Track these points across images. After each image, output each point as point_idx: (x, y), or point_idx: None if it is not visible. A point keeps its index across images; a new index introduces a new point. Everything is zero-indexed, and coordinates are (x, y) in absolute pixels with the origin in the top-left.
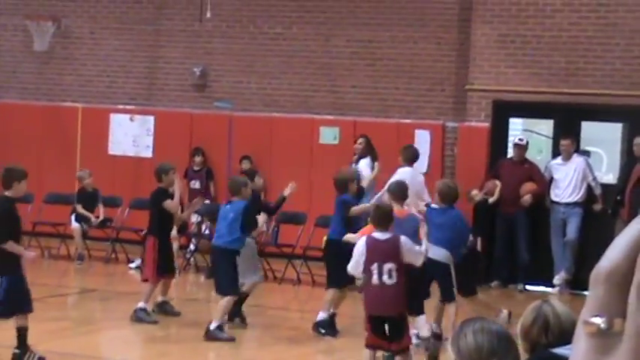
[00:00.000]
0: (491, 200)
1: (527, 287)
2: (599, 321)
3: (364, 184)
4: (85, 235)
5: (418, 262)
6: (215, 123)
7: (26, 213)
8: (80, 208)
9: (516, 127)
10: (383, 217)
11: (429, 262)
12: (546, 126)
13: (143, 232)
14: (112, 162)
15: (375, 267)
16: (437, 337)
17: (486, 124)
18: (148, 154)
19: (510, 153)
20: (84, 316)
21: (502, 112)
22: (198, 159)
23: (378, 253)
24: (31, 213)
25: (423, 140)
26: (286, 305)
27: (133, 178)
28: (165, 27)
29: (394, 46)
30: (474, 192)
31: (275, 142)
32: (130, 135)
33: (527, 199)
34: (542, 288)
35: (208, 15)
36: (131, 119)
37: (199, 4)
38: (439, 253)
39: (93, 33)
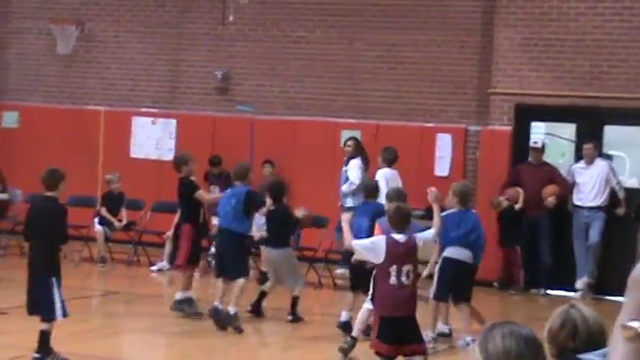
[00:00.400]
0: (517, 207)
1: (549, 292)
2: (636, 325)
3: (353, 185)
4: (108, 238)
5: (433, 254)
6: (237, 126)
7: None
8: (104, 212)
9: (539, 131)
10: (402, 219)
11: (453, 263)
12: (569, 130)
13: (165, 234)
14: (135, 165)
15: (394, 268)
16: (447, 336)
17: (509, 128)
18: (170, 157)
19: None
20: (106, 318)
21: (524, 115)
22: (216, 170)
23: (398, 255)
24: None
25: (445, 144)
26: (309, 308)
27: (155, 181)
28: (188, 30)
29: (417, 50)
30: (501, 199)
31: (297, 145)
32: (153, 138)
33: (551, 200)
34: (564, 292)
35: (231, 18)
36: (153, 122)
37: (222, 7)
38: (463, 254)
39: (116, 36)
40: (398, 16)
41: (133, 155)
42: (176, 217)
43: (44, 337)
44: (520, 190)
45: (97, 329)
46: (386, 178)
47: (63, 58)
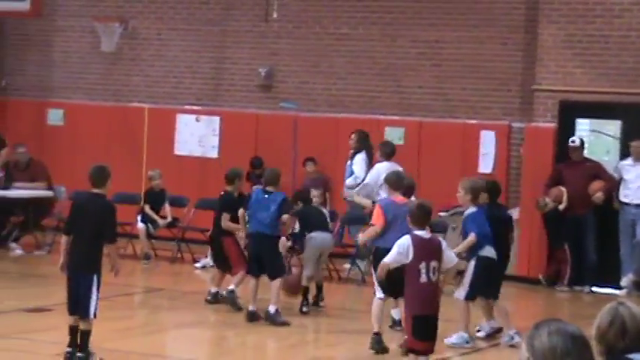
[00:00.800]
0: (561, 207)
1: (594, 289)
2: None
3: (358, 179)
4: (151, 236)
5: (453, 262)
6: (280, 124)
7: None
8: (148, 209)
9: (583, 128)
10: (425, 216)
11: (486, 261)
12: (614, 127)
13: (209, 233)
14: (178, 162)
15: (423, 265)
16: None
17: (553, 125)
18: (214, 154)
19: None
20: (150, 315)
21: (569, 112)
22: (258, 171)
23: (425, 251)
24: None
25: (488, 141)
26: (351, 306)
27: (198, 178)
28: (232, 28)
29: (460, 47)
30: (547, 200)
31: (340, 142)
32: (196, 135)
33: (599, 196)
34: (609, 290)
35: (274, 15)
36: (197, 120)
37: (265, 4)
38: (492, 252)
39: (160, 34)
40: (441, 13)
41: (176, 152)
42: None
43: (85, 337)
44: (563, 189)
45: (140, 326)
46: (384, 171)
47: (107, 56)
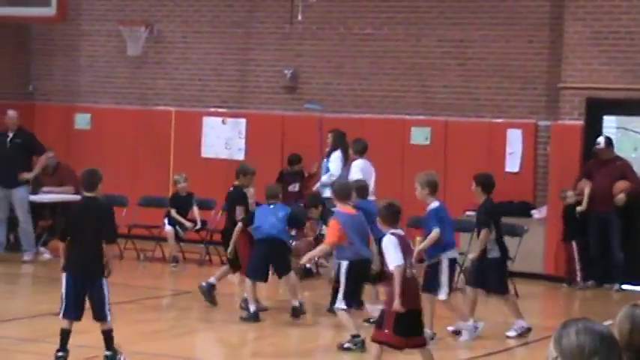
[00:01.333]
0: (579, 209)
1: (624, 287)
2: None
3: (333, 177)
4: (180, 239)
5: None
6: (306, 125)
7: (121, 216)
8: (174, 213)
9: (610, 125)
10: (396, 214)
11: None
12: None
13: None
14: (205, 165)
15: (407, 262)
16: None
17: (580, 122)
18: (241, 156)
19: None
20: (179, 317)
21: (596, 109)
22: (297, 167)
23: (406, 247)
24: (126, 216)
25: (515, 139)
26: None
27: (225, 180)
28: (256, 30)
29: (485, 45)
30: (569, 193)
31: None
32: (223, 138)
33: (621, 197)
34: (638, 288)
35: (299, 17)
36: (223, 122)
37: (290, 6)
38: (455, 253)
39: (185, 37)
40: (466, 12)
41: (203, 155)
42: None
43: (109, 336)
44: (589, 183)
45: (168, 329)
46: (361, 169)
47: (133, 60)
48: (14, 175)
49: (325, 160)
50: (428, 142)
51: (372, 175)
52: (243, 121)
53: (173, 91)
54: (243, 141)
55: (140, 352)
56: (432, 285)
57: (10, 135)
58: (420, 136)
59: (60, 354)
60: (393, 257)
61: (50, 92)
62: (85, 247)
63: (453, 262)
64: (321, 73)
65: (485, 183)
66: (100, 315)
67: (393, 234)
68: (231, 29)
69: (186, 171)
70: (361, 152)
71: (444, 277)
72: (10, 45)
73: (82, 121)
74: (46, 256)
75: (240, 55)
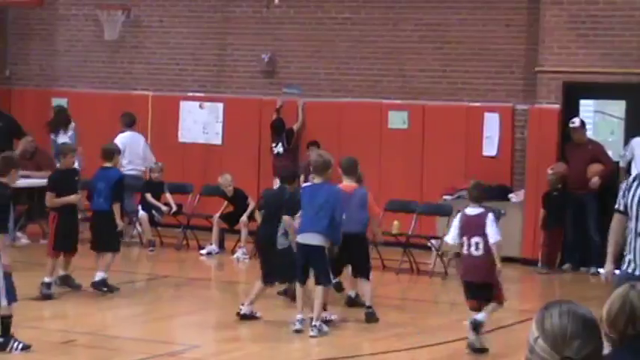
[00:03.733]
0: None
1: (600, 270)
2: None
3: None
4: (157, 223)
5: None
6: (284, 109)
7: None
8: (150, 197)
9: (587, 109)
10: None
11: None
12: (618, 107)
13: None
14: (183, 149)
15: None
16: None
17: (557, 106)
18: (218, 141)
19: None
20: (156, 302)
21: (572, 93)
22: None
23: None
24: None
25: (492, 123)
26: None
27: (203, 165)
28: (234, 14)
29: (463, 29)
30: (549, 171)
31: (344, 127)
32: (200, 122)
33: (595, 181)
34: (616, 271)
35: (276, 1)
36: (201, 106)
37: None
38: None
39: (162, 21)
40: None
41: (180, 140)
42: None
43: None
44: (564, 165)
45: (146, 313)
46: (129, 140)
47: (110, 44)
48: None
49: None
50: (406, 126)
51: (144, 145)
52: (220, 105)
53: (150, 75)
54: (220, 125)
55: (116, 337)
56: None
57: None
58: (397, 120)
59: None
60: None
61: (27, 77)
62: None
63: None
64: (299, 58)
65: None
66: None
67: (462, 213)
68: (208, 13)
69: (164, 155)
70: (129, 125)
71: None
72: None
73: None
74: (24, 241)
75: (218, 39)
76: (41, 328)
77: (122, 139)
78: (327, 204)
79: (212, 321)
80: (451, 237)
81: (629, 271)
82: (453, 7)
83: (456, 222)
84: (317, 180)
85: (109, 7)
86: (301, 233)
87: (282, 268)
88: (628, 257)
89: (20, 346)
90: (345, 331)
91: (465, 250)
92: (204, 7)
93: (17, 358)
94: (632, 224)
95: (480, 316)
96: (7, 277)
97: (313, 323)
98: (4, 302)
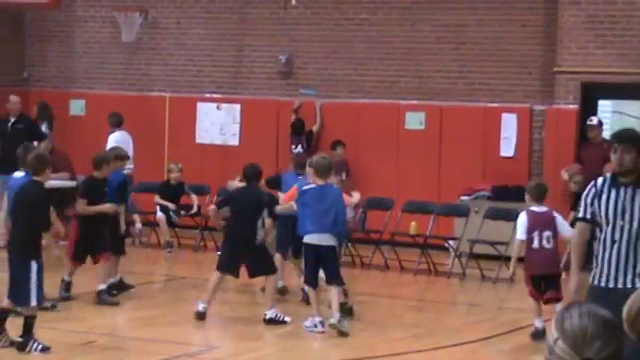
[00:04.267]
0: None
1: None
2: None
3: None
4: (175, 224)
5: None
6: (301, 110)
7: None
8: (158, 199)
9: (605, 109)
10: (543, 193)
11: None
12: (636, 107)
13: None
14: (200, 151)
15: (539, 234)
16: None
17: (575, 107)
18: (235, 142)
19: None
20: (173, 303)
21: (591, 94)
22: (340, 150)
23: (536, 222)
24: None
25: (510, 124)
26: (374, 291)
27: (220, 166)
28: (251, 15)
29: (480, 30)
30: (578, 177)
31: (361, 128)
32: (217, 123)
33: None
34: None
35: (293, 2)
36: (218, 108)
37: None
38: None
39: (179, 23)
40: None
41: (198, 141)
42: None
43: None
44: (579, 166)
45: (163, 314)
46: (119, 139)
47: (127, 46)
48: (14, 161)
49: None
50: (423, 127)
51: (131, 145)
52: (237, 106)
53: (168, 77)
54: (237, 126)
55: (135, 338)
56: None
57: (12, 120)
58: (414, 121)
59: None
60: (518, 231)
61: (44, 78)
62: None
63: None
64: (316, 59)
65: None
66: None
67: (528, 211)
68: (225, 14)
69: (181, 156)
70: (117, 125)
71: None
72: (5, 31)
73: (77, 107)
74: (43, 242)
75: (235, 40)
76: (59, 329)
77: (114, 138)
78: (334, 205)
79: (230, 322)
80: (519, 233)
81: (602, 285)
82: (469, 7)
83: (522, 219)
84: (320, 182)
85: (127, 9)
86: (309, 234)
87: (266, 262)
88: (596, 270)
89: (40, 347)
90: (363, 332)
91: (535, 245)
92: (221, 8)
93: (37, 358)
94: (605, 233)
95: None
96: (40, 276)
97: (338, 320)
98: (34, 302)
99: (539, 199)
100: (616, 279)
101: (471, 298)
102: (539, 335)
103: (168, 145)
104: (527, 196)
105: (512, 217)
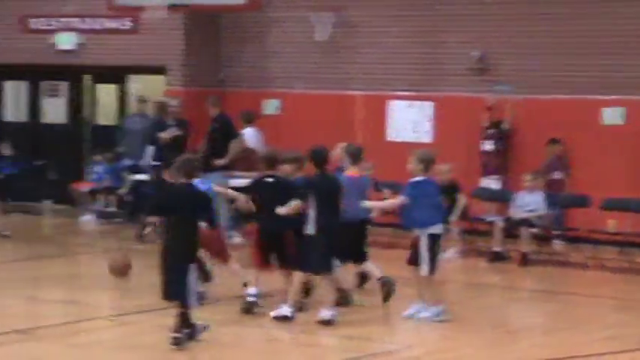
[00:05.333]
0: None
1: None
2: None
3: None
4: None
5: None
6: (495, 107)
7: None
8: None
9: None
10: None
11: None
12: None
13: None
14: (392, 148)
15: None
16: None
17: None
18: (428, 139)
19: None
20: None
21: None
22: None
23: None
24: None
25: None
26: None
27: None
28: (444, 12)
29: None
30: None
31: (558, 124)
32: (409, 121)
33: None
34: None
35: None
36: (410, 105)
37: None
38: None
39: (371, 21)
40: None
41: (389, 139)
42: None
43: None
44: None
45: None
46: (253, 135)
47: (320, 45)
48: (209, 160)
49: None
50: (622, 122)
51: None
52: (430, 104)
53: (360, 75)
54: (430, 124)
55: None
56: (415, 258)
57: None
58: (613, 116)
59: None
60: None
61: (240, 79)
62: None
63: (432, 238)
64: (511, 55)
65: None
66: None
67: None
68: (417, 12)
69: (373, 154)
70: (250, 121)
71: (424, 252)
72: (202, 34)
73: (271, 106)
74: (237, 239)
75: (427, 37)
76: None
77: (247, 135)
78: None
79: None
80: None
81: None
82: None
83: None
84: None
85: (320, 9)
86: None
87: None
88: None
89: (203, 327)
90: (559, 332)
91: None
92: (413, 5)
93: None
94: None
95: None
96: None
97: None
98: (196, 303)
99: None
100: None
101: None
102: None
103: (361, 142)
104: None
105: None
